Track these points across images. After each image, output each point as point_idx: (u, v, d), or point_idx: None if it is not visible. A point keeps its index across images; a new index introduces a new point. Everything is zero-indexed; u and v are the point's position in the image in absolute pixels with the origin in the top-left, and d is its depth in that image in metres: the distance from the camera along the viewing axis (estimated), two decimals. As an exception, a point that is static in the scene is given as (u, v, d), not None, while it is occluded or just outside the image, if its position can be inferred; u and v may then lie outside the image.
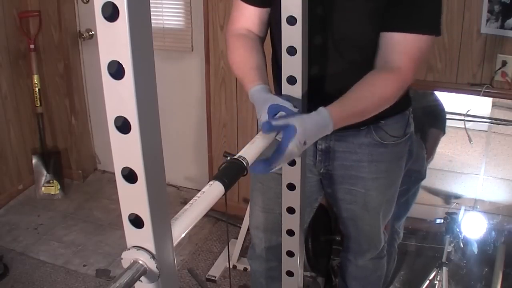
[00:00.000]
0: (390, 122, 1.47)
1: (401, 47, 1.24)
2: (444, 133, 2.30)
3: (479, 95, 2.14)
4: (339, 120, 1.14)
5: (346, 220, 1.64)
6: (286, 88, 1.24)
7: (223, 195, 0.93)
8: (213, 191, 0.91)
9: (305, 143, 1.08)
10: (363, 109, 1.21)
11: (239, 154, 1.01)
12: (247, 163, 0.98)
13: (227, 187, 0.92)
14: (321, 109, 1.13)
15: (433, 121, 2.28)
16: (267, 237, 1.68)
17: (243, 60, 1.36)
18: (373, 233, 1.65)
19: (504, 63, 2.09)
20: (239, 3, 1.42)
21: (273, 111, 1.17)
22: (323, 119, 1.12)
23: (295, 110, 1.16)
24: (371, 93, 1.21)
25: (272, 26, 1.44)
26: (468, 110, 2.18)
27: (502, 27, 2.03)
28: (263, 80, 1.29)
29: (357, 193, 1.53)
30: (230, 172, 0.96)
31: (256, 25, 1.43)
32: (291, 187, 1.31)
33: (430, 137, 2.30)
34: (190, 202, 0.88)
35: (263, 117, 1.19)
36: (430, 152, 2.30)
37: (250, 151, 1.04)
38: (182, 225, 0.84)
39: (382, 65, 1.26)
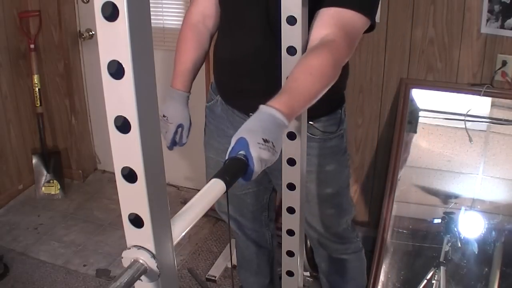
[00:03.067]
0: (321, 120, 1.54)
1: (335, 20, 1.22)
2: (415, 132, 2.31)
3: (479, 95, 2.14)
4: (287, 107, 1.05)
5: None
6: (286, 88, 1.24)
7: (224, 193, 0.93)
8: (214, 188, 0.90)
9: (266, 140, 0.99)
10: (308, 89, 1.12)
11: (240, 152, 1.00)
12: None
13: (228, 184, 0.92)
14: (261, 106, 1.05)
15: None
16: None
17: (186, 55, 1.58)
18: (314, 221, 1.72)
19: (504, 63, 2.09)
20: None
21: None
22: (265, 113, 1.03)
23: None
24: (309, 71, 1.13)
25: (222, 7, 1.51)
26: (469, 110, 2.18)
27: (502, 27, 2.03)
28: (188, 87, 1.64)
29: None
30: (232, 169, 0.96)
31: (213, 5, 1.53)
32: (291, 186, 1.32)
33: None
34: (192, 200, 0.88)
35: (169, 134, 1.53)
36: (405, 151, 2.32)
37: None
38: (182, 224, 0.84)
39: (315, 42, 1.21)
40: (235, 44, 1.48)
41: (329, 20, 1.23)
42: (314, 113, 1.48)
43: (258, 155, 0.96)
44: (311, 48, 1.19)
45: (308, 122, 1.50)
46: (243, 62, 1.47)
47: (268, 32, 1.36)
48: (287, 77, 1.16)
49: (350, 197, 1.76)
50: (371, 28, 1.33)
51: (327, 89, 1.18)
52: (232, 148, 0.99)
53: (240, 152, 0.98)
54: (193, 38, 1.57)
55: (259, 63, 1.43)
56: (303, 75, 1.12)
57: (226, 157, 0.99)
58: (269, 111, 1.03)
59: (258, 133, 0.99)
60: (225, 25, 1.52)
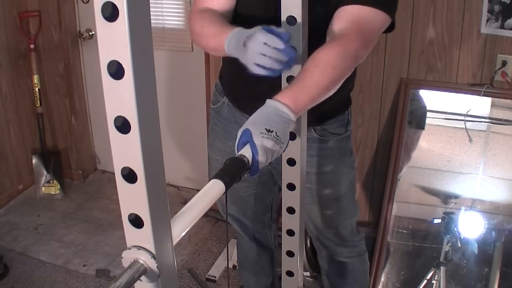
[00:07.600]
0: (330, 122, 1.53)
1: (351, 16, 1.22)
2: (423, 129, 2.32)
3: (479, 95, 2.14)
4: (292, 100, 1.06)
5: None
6: (286, 88, 1.24)
7: (223, 193, 0.93)
8: (214, 189, 0.90)
9: (269, 130, 1.00)
10: (314, 81, 1.11)
11: (240, 152, 1.00)
12: (248, 161, 0.98)
13: (228, 185, 0.92)
14: (267, 100, 1.07)
15: (412, 120, 2.31)
16: None
17: (208, 25, 1.29)
18: (327, 224, 1.71)
19: (504, 63, 2.09)
20: None
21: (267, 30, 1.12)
22: (269, 106, 1.06)
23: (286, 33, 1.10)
24: (315, 64, 1.12)
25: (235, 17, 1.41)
26: (469, 110, 2.18)
27: (502, 27, 2.03)
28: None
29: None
30: (231, 170, 0.96)
31: (222, 4, 1.37)
32: (291, 187, 1.32)
33: (411, 134, 2.32)
34: (192, 200, 0.88)
35: (259, 33, 1.11)
36: (411, 148, 2.32)
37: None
38: (182, 224, 0.84)
39: (329, 38, 1.23)
40: None
41: (345, 16, 1.23)
42: (324, 115, 1.51)
43: (261, 143, 0.99)
44: (321, 46, 1.19)
45: (318, 125, 1.52)
46: None
47: None
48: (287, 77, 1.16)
49: (355, 199, 1.75)
50: (391, 27, 1.32)
51: (340, 81, 1.17)
52: (238, 140, 1.02)
53: (243, 150, 0.99)
54: (206, 15, 1.32)
55: None
56: (310, 68, 1.13)
57: (236, 152, 1.00)
58: (273, 105, 1.06)
59: (261, 123, 1.02)
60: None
